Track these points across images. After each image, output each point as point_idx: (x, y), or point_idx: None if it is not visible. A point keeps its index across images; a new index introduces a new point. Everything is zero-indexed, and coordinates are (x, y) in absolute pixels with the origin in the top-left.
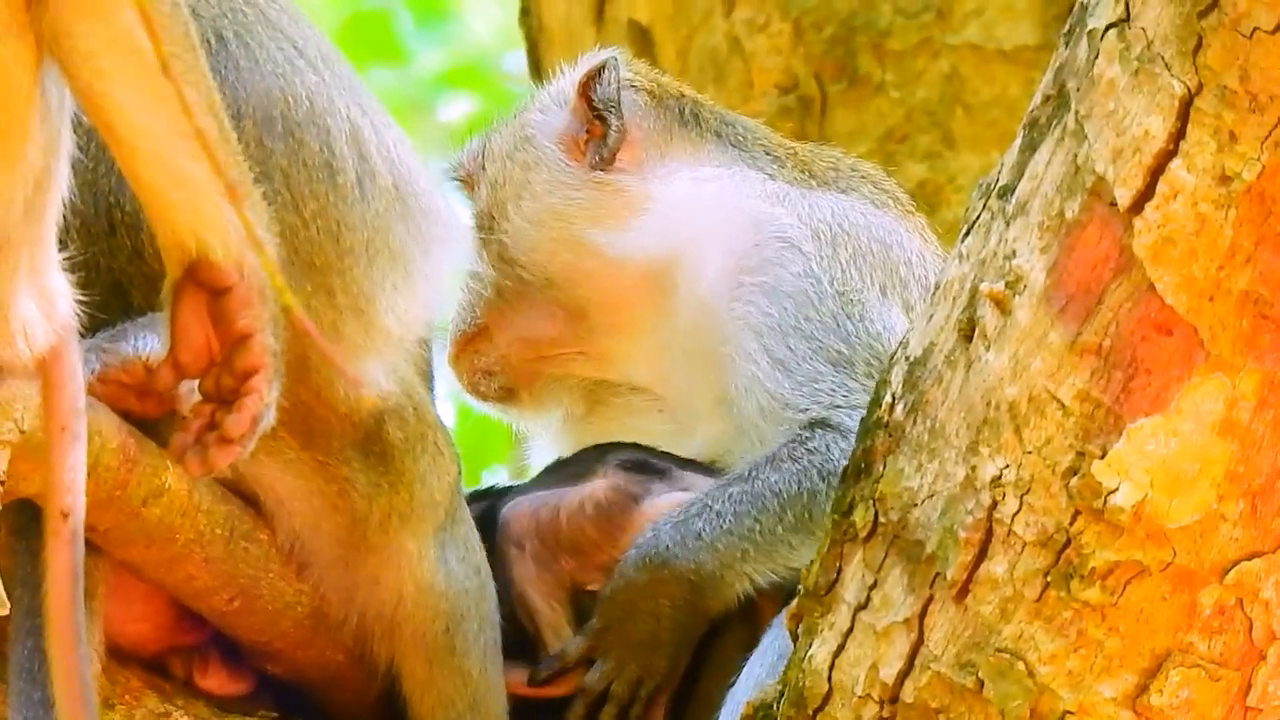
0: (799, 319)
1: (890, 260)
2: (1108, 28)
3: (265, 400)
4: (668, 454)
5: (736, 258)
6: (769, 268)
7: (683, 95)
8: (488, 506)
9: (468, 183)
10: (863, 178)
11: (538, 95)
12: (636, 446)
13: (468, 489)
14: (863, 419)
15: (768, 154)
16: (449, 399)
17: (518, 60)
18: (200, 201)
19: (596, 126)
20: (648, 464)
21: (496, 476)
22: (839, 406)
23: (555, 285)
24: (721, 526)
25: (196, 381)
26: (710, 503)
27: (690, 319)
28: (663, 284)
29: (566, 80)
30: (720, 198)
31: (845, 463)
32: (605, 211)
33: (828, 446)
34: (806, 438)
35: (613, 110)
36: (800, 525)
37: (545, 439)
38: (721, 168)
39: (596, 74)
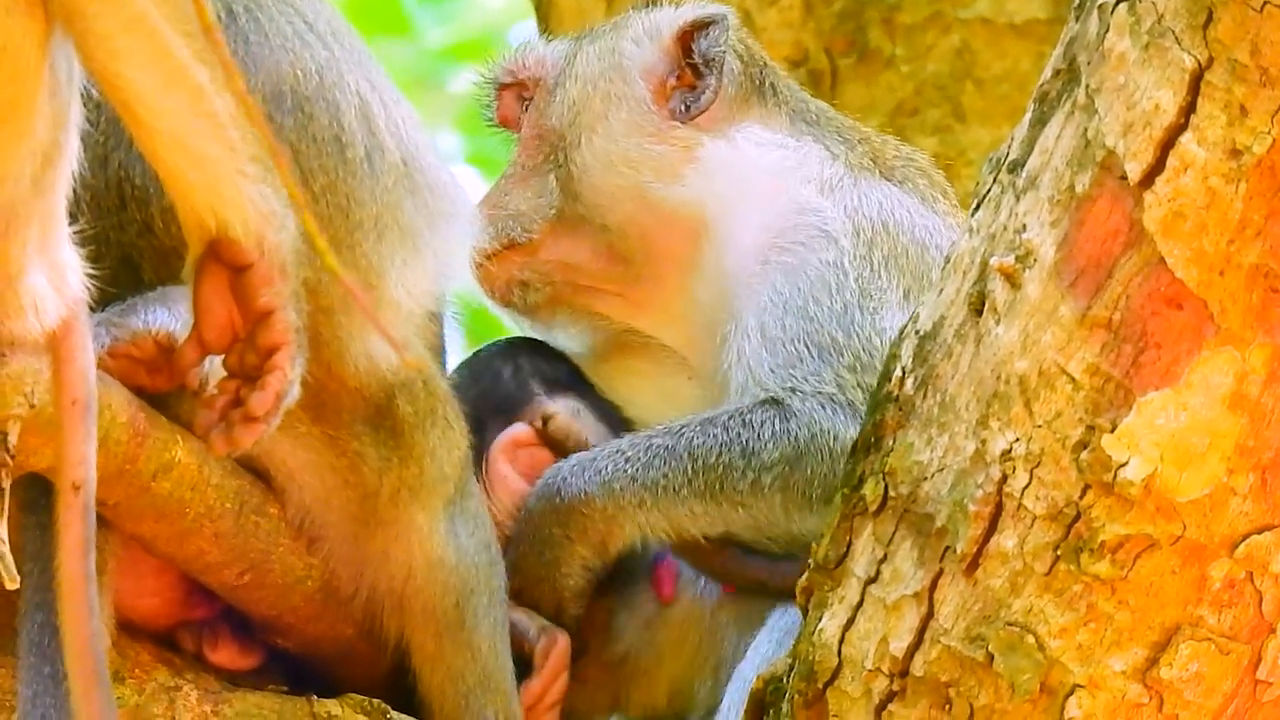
0: (808, 300)
1: (924, 263)
2: (1118, 2)
3: (289, 376)
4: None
5: (771, 235)
6: (798, 249)
7: (767, 65)
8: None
9: (522, 85)
10: (920, 172)
11: (630, 23)
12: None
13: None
14: (872, 393)
15: (839, 134)
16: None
17: (524, 33)
18: (219, 180)
19: (687, 75)
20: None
21: None
22: (798, 390)
23: (610, 230)
24: (626, 471)
25: (220, 358)
26: (624, 447)
27: (712, 286)
28: (699, 244)
29: (664, 17)
30: (773, 171)
31: (775, 450)
32: (669, 164)
33: (762, 424)
34: (747, 411)
35: (714, 69)
36: (708, 493)
37: None
38: (787, 137)
39: (703, 26)
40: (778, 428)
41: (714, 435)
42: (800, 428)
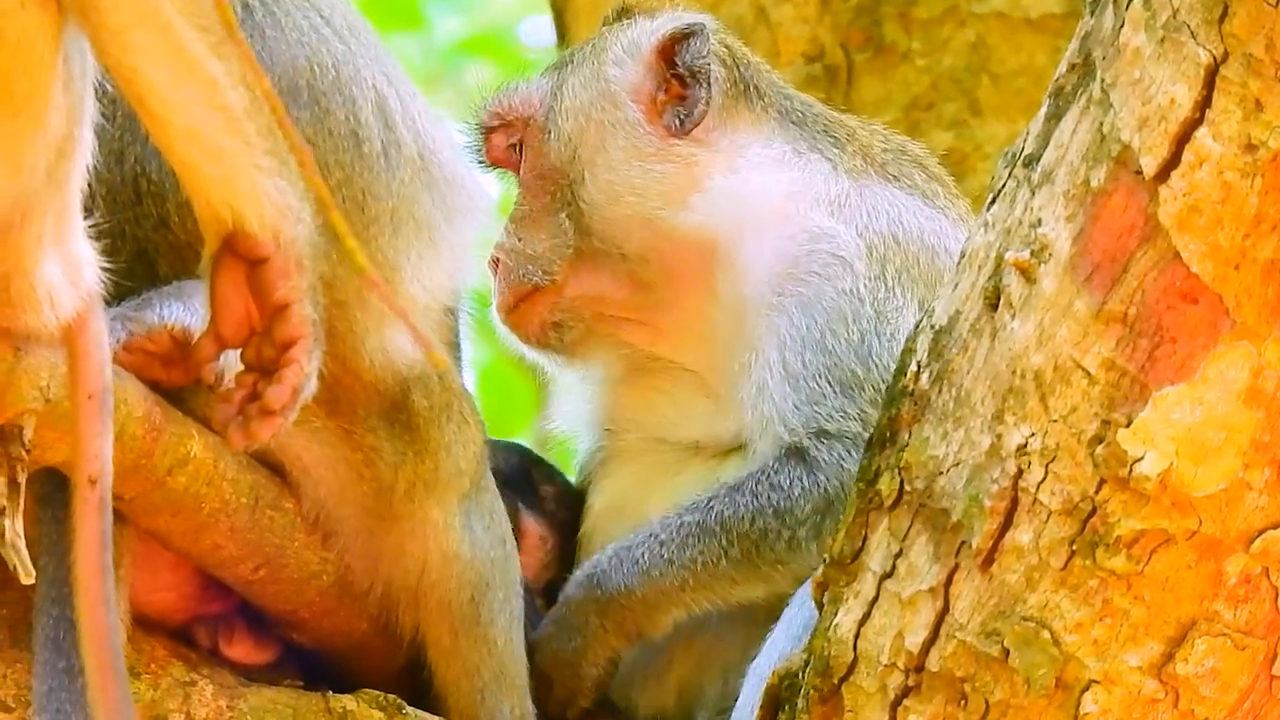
0: (825, 333)
1: (935, 269)
2: None
3: (306, 370)
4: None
5: (785, 263)
6: (813, 280)
7: (749, 64)
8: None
9: (509, 126)
10: (913, 162)
11: (608, 44)
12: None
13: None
14: (888, 387)
15: (828, 134)
16: (471, 366)
17: (535, 29)
18: (235, 174)
19: (674, 87)
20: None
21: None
22: (825, 433)
23: (629, 259)
24: (662, 555)
25: (237, 352)
26: (657, 530)
27: (730, 312)
28: (713, 270)
29: (641, 31)
30: (782, 194)
31: (806, 503)
32: (675, 186)
33: (791, 484)
34: (773, 471)
35: (701, 81)
36: (745, 561)
37: (574, 401)
38: (785, 149)
39: (683, 38)
40: (806, 484)
41: (743, 504)
42: (828, 478)
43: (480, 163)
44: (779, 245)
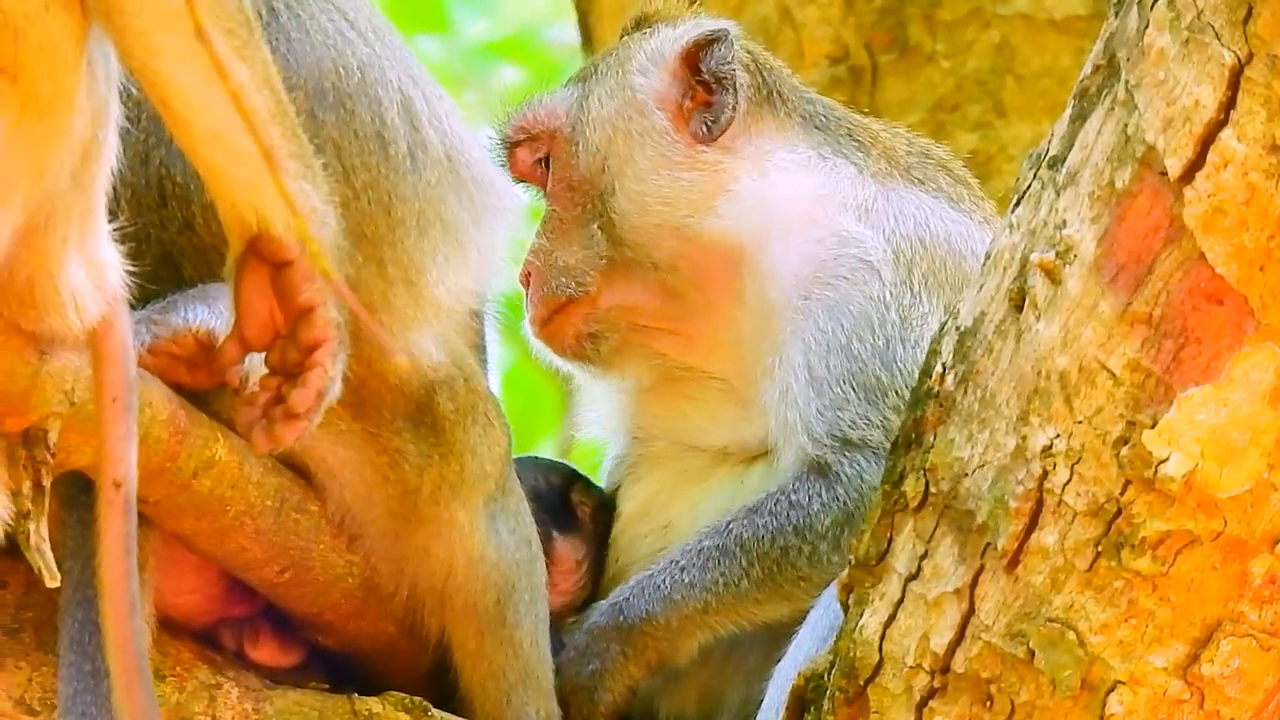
0: (851, 338)
1: (961, 272)
2: None
3: (330, 373)
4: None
5: (813, 266)
6: (841, 284)
7: (771, 69)
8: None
9: (535, 139)
10: (938, 165)
11: (631, 54)
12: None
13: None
14: (913, 389)
15: (852, 138)
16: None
17: (562, 32)
18: (259, 177)
19: (699, 93)
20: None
21: (543, 449)
22: (848, 443)
23: (660, 268)
24: (683, 580)
25: (262, 356)
26: (677, 557)
27: (756, 316)
28: (741, 275)
29: (664, 39)
30: (809, 199)
31: (826, 517)
32: (703, 193)
33: (809, 500)
34: (793, 490)
35: (727, 87)
36: (768, 579)
37: (601, 408)
38: (810, 153)
39: (707, 44)
40: (825, 498)
41: (763, 525)
42: (848, 491)
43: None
44: (806, 249)
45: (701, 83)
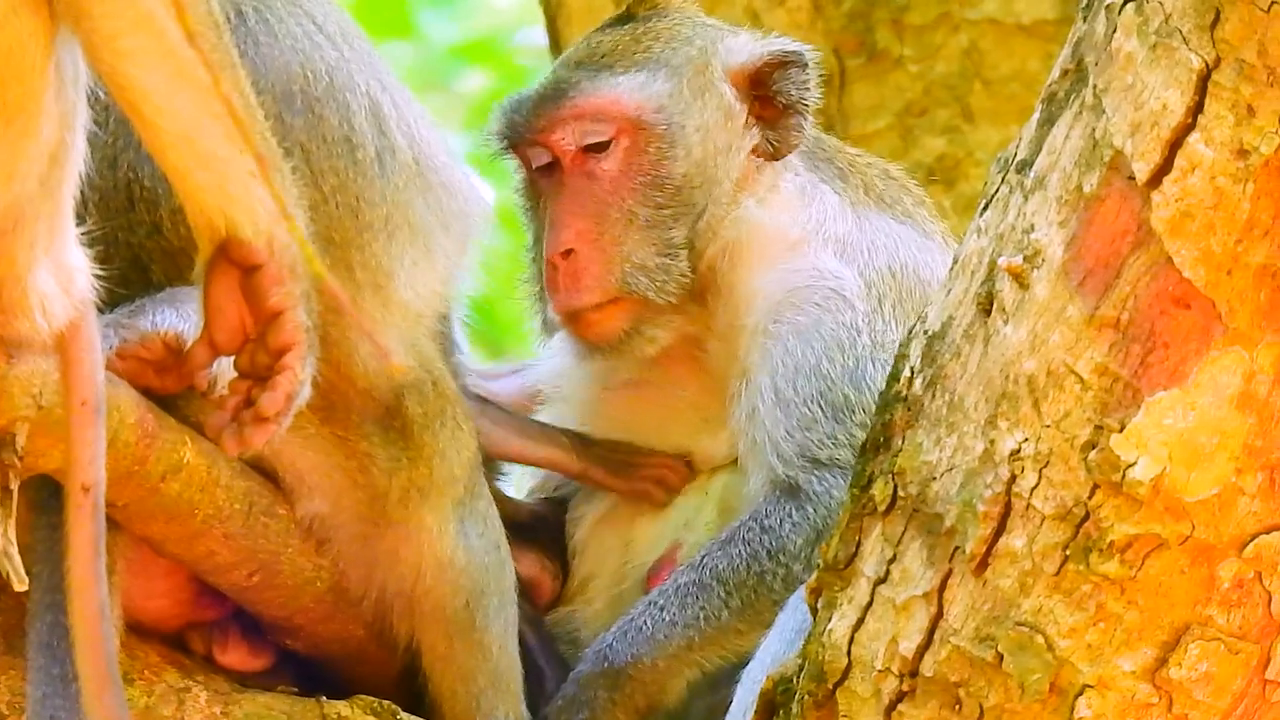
0: (820, 360)
1: (927, 299)
2: (1125, 2)
3: (300, 377)
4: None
5: (785, 291)
6: (812, 310)
7: None
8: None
9: (603, 121)
10: (901, 187)
11: (709, 56)
12: None
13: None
14: (881, 393)
15: (833, 164)
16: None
17: (530, 35)
18: (228, 180)
19: (758, 108)
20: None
21: None
22: (816, 463)
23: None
24: (664, 619)
25: (231, 359)
26: (655, 599)
27: (726, 340)
28: (720, 295)
29: (742, 48)
30: (800, 231)
31: (798, 537)
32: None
33: (781, 523)
34: (764, 513)
35: (802, 112)
36: (747, 609)
37: (562, 403)
38: (804, 180)
39: (780, 64)
40: (796, 518)
41: (737, 553)
42: (817, 509)
43: (530, 144)
44: (785, 278)
45: (762, 98)
